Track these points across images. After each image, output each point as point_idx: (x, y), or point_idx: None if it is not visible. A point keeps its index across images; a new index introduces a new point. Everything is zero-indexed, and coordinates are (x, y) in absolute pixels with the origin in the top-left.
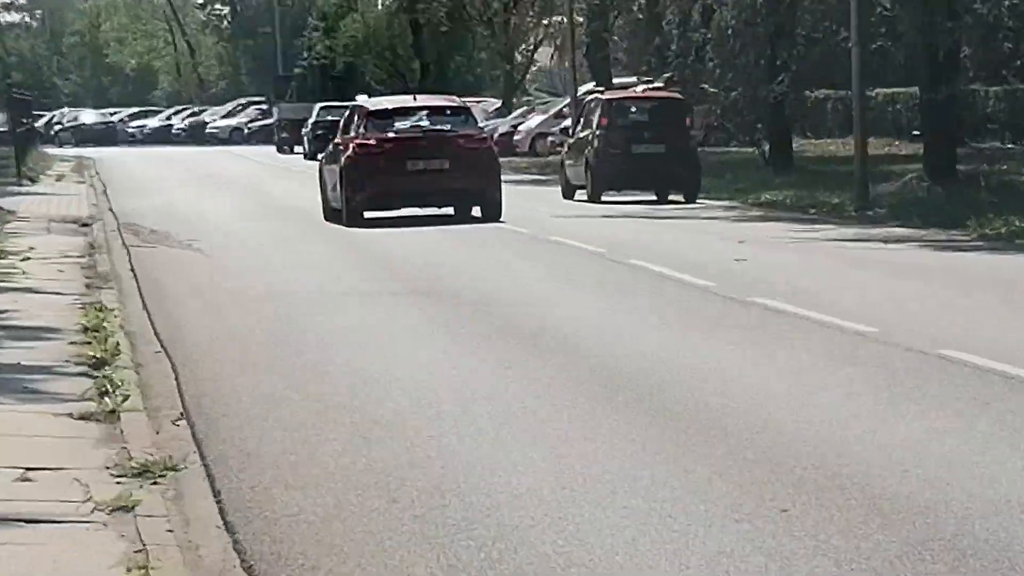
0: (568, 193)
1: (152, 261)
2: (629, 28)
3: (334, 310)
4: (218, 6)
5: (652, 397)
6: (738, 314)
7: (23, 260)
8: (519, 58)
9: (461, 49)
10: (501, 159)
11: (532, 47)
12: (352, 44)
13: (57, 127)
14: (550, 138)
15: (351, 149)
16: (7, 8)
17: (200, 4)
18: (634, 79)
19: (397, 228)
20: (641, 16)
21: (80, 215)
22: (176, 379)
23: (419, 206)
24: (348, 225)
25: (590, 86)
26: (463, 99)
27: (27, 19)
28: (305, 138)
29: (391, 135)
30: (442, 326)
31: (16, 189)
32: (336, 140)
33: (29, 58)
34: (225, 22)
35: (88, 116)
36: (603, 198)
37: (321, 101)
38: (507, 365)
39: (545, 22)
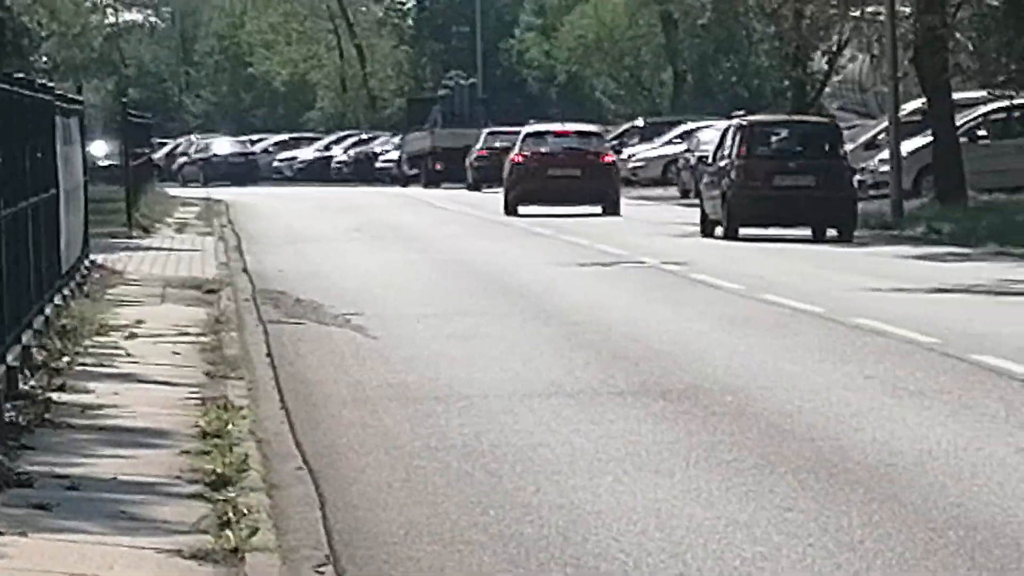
0: (706, 230)
1: (297, 343)
2: (979, 22)
3: (535, 420)
4: None
5: None
6: None
7: (127, 338)
8: (815, 64)
9: (732, 52)
10: None
11: (834, 49)
12: (579, 47)
13: (182, 160)
14: (858, 176)
15: (512, 160)
16: (130, 4)
17: None
18: (982, 94)
19: (604, 292)
20: (998, 2)
21: (204, 278)
22: (322, 508)
23: (558, 204)
24: (508, 214)
25: (918, 103)
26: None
27: (151, 19)
28: (470, 167)
29: (540, 150)
30: (687, 447)
31: (124, 242)
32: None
33: (151, 69)
34: (408, 19)
35: (222, 145)
36: (743, 233)
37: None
38: (789, 508)
39: (854, 13)
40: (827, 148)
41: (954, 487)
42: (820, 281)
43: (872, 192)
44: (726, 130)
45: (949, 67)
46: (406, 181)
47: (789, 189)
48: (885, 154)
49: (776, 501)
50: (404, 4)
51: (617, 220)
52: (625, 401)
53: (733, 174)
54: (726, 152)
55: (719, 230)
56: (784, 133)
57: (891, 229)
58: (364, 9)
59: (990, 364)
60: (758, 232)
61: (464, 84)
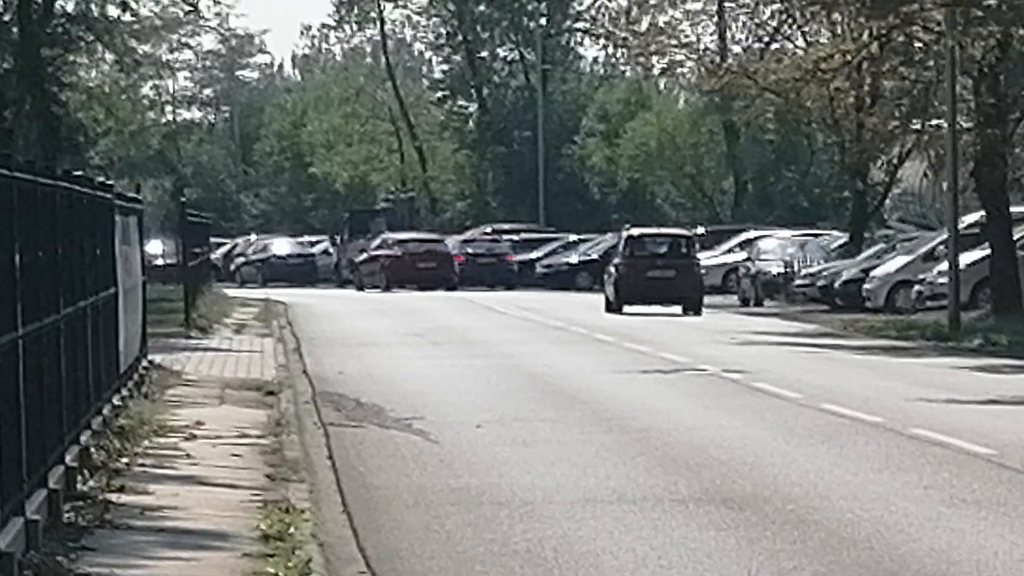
0: (608, 308)
1: (358, 446)
2: None
3: (598, 527)
4: (462, 102)
5: None
6: None
7: (187, 439)
8: (876, 176)
9: (793, 162)
10: (845, 316)
11: (895, 161)
12: (641, 154)
13: (240, 260)
14: (916, 287)
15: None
16: (189, 103)
17: (439, 99)
18: None
19: (664, 399)
20: None
21: (264, 379)
22: None
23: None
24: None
25: (977, 216)
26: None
27: (210, 118)
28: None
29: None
30: (748, 555)
31: (183, 342)
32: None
33: (209, 169)
34: (470, 123)
35: (281, 246)
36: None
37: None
38: None
39: (916, 126)
40: (684, 251)
41: None
42: (878, 391)
43: (930, 303)
44: (619, 238)
45: (1008, 181)
46: (342, 283)
47: (657, 279)
48: (943, 266)
49: None
50: (466, 108)
51: (683, 325)
52: (687, 509)
53: (620, 269)
54: (617, 253)
55: (613, 307)
56: (655, 240)
57: (948, 340)
58: (426, 112)
59: None
60: (641, 309)
61: (404, 198)
